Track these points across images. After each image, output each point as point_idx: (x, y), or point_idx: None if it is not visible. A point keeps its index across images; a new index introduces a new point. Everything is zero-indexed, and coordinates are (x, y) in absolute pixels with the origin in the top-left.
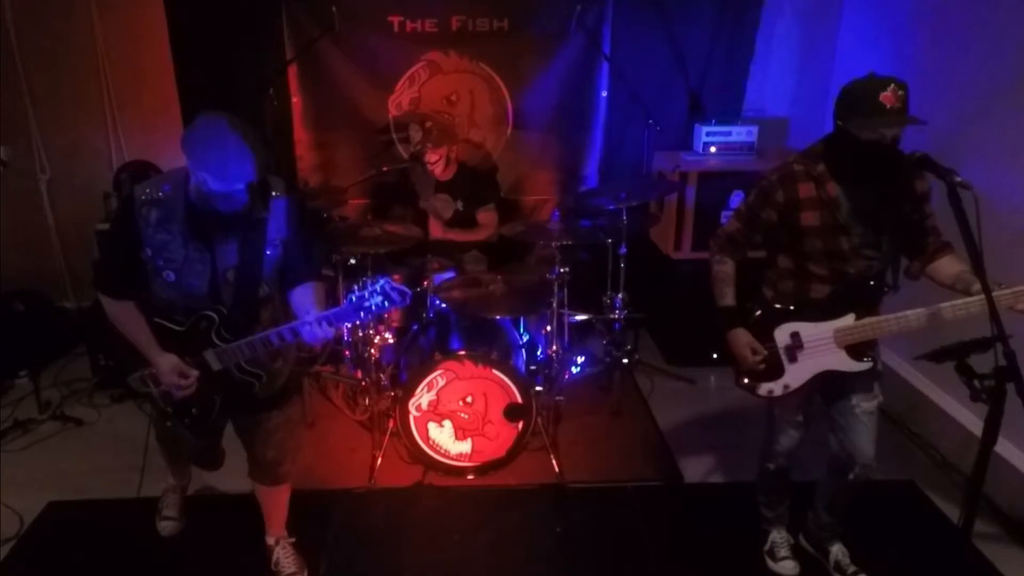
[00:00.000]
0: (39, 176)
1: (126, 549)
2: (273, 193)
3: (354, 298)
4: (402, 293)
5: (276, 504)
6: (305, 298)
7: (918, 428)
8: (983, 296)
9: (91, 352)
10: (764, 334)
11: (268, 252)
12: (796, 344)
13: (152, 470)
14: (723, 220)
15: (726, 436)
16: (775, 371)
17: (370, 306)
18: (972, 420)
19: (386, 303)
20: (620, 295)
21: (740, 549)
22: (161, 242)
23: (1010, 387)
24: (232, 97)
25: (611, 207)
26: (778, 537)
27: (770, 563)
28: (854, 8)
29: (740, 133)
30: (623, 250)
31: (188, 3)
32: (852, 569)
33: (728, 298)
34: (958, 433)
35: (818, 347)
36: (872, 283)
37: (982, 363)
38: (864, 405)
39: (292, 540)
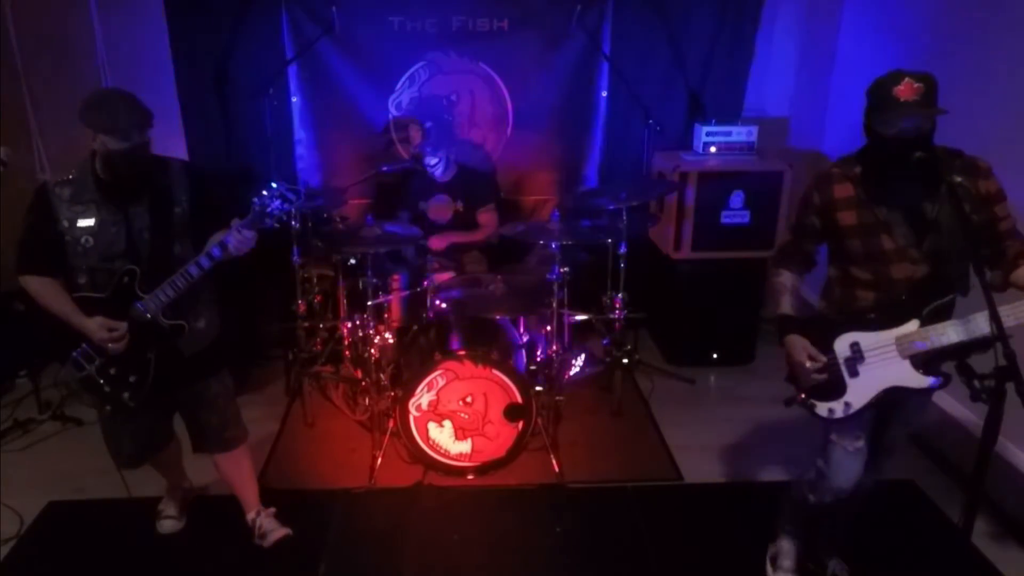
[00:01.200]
0: (39, 176)
1: (126, 549)
2: (169, 164)
3: (256, 206)
4: (296, 192)
5: (240, 476)
6: (225, 231)
7: (918, 428)
8: None
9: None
10: (823, 346)
11: (176, 210)
12: (857, 355)
13: (150, 470)
14: (723, 220)
15: (726, 436)
16: (836, 388)
17: (272, 210)
18: (972, 420)
19: (285, 204)
20: (620, 295)
21: (740, 549)
22: (75, 213)
23: (1010, 387)
24: (232, 97)
25: (611, 207)
26: (786, 545)
27: (769, 570)
28: (854, 8)
29: (740, 133)
30: (623, 250)
31: (188, 3)
32: None
33: (784, 307)
34: (958, 433)
35: (881, 358)
36: (944, 286)
37: (982, 363)
38: (897, 434)
39: (272, 510)
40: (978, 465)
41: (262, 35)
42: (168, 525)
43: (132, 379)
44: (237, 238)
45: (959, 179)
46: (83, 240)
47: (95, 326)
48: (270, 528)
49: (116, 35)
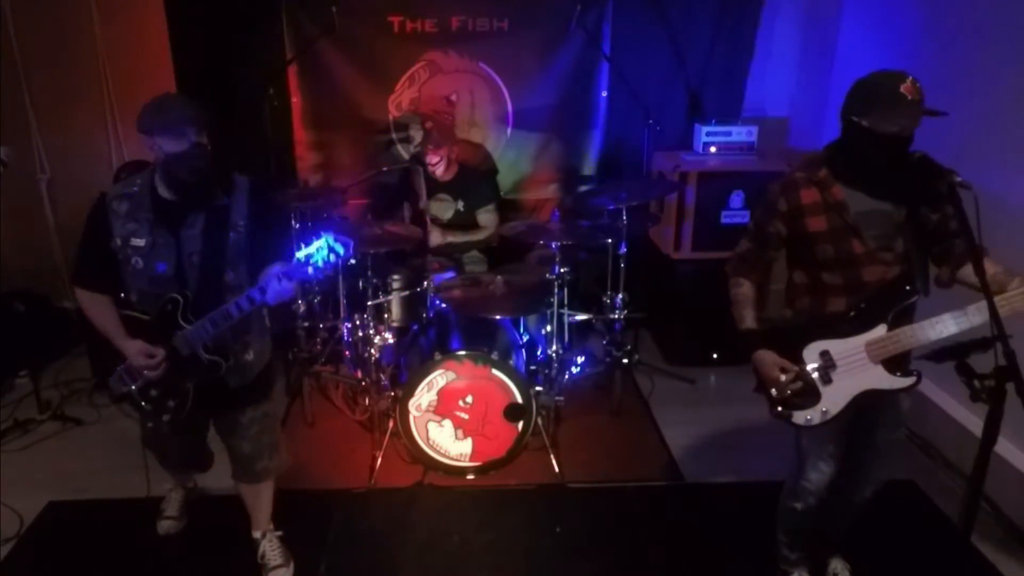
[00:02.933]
0: (39, 176)
1: (126, 549)
2: (234, 181)
3: (301, 256)
4: (344, 244)
5: (258, 500)
6: (267, 272)
7: (918, 428)
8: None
9: (91, 352)
10: (791, 356)
11: (231, 235)
12: (828, 363)
13: (155, 469)
14: (723, 220)
15: (726, 436)
16: (811, 396)
17: (316, 261)
18: (972, 420)
19: (331, 256)
20: (620, 295)
21: (740, 549)
22: (129, 230)
23: (1010, 387)
24: (232, 97)
25: (611, 207)
26: None
27: None
28: (854, 8)
29: (740, 133)
30: (623, 250)
31: (188, 3)
32: None
33: (748, 321)
34: (958, 433)
35: (852, 364)
36: (906, 288)
37: (982, 363)
38: (889, 437)
39: (279, 534)
40: (978, 465)
41: (262, 35)
42: (168, 525)
43: (171, 404)
44: (276, 288)
45: (959, 179)
46: (133, 260)
47: (134, 350)
48: (273, 563)
49: (116, 35)
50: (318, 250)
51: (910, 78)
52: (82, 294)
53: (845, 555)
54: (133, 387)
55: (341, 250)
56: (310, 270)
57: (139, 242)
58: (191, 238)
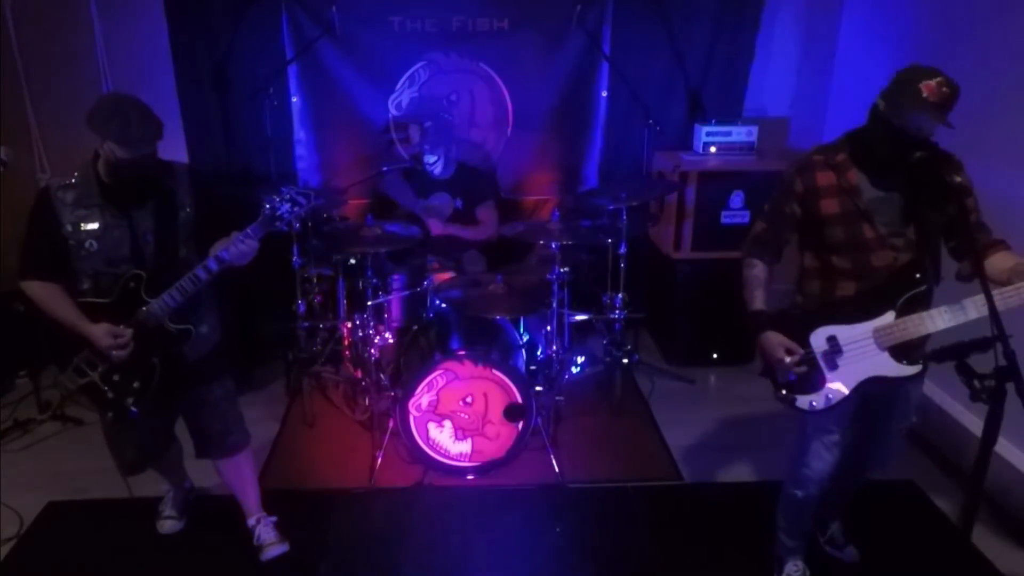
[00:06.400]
0: (39, 176)
1: (126, 549)
2: (173, 167)
3: (266, 210)
4: (306, 195)
5: (242, 479)
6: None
7: (918, 428)
8: None
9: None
10: (798, 341)
11: (181, 214)
12: (835, 349)
13: (151, 471)
14: (723, 220)
15: (726, 436)
16: (816, 381)
17: (281, 213)
18: (972, 420)
19: (295, 208)
20: (620, 295)
21: (740, 549)
22: (79, 216)
23: (1010, 387)
24: (232, 97)
25: (611, 207)
26: (793, 569)
27: None
28: (854, 8)
29: (740, 133)
30: (623, 250)
31: (188, 3)
32: (842, 541)
33: (757, 302)
34: (958, 433)
35: (859, 350)
36: (916, 276)
37: (982, 363)
38: (898, 426)
39: (274, 519)
40: (978, 465)
41: (262, 35)
42: (168, 525)
43: (136, 385)
44: (240, 247)
45: (958, 179)
46: (87, 244)
47: (100, 332)
48: (267, 541)
49: (116, 35)
50: (281, 203)
51: (938, 79)
52: (36, 286)
53: (844, 521)
54: (95, 375)
55: (304, 201)
56: (276, 223)
57: (91, 226)
58: (143, 218)
